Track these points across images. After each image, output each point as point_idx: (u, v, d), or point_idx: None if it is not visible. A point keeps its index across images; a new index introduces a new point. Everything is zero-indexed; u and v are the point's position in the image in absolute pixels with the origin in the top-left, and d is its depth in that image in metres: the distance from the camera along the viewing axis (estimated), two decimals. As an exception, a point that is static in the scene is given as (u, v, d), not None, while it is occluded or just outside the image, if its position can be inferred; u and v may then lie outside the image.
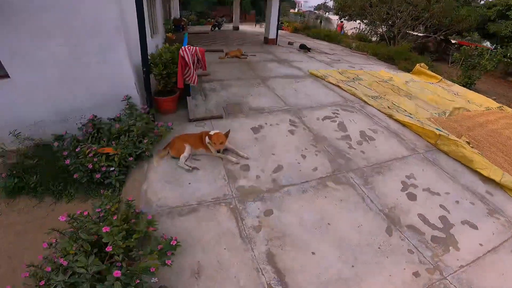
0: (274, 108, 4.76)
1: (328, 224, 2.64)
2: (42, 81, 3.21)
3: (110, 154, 2.97)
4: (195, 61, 3.60)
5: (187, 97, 3.84)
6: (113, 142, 3.11)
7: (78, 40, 3.11)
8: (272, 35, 10.88)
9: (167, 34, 8.97)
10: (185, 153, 3.20)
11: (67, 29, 3.02)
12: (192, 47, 3.53)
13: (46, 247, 2.01)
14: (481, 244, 2.62)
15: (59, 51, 3.09)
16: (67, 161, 2.93)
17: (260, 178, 3.12)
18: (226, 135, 3.27)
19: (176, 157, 3.25)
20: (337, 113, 4.72)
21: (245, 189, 2.97)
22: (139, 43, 3.45)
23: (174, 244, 2.16)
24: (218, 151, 3.16)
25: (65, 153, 3.03)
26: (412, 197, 3.08)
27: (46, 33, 2.96)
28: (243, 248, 2.38)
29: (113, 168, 2.93)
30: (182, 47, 3.41)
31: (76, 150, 3.01)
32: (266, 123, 4.21)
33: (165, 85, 4.09)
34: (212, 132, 3.27)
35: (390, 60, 9.93)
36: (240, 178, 3.10)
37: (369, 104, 5.28)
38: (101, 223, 2.13)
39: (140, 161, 3.22)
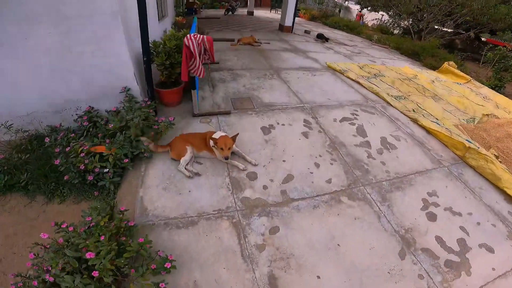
0: (287, 104, 4.42)
1: (338, 245, 2.41)
2: (32, 71, 3.00)
3: (103, 154, 2.73)
4: (202, 51, 3.25)
5: (192, 91, 3.53)
6: (107, 140, 2.87)
7: (68, 27, 2.85)
8: (288, 23, 10.34)
9: (176, 18, 8.55)
10: (186, 157, 2.94)
11: (56, 15, 2.76)
12: (198, 35, 3.18)
13: (32, 257, 1.89)
14: (493, 269, 2.42)
15: (49, 39, 2.84)
16: (57, 161, 2.71)
17: (267, 189, 2.86)
18: (234, 139, 2.96)
19: (176, 160, 2.99)
20: (356, 114, 4.35)
21: (251, 201, 2.72)
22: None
23: (168, 266, 1.98)
24: (226, 158, 2.86)
25: (57, 149, 2.81)
26: (432, 217, 2.80)
27: (34, 20, 2.73)
28: (243, 268, 2.19)
29: (107, 170, 2.70)
30: (187, 35, 3.06)
31: (67, 149, 2.77)
32: (278, 123, 3.89)
33: (169, 76, 3.78)
34: (217, 135, 2.97)
35: (414, 55, 9.31)
36: (245, 188, 2.84)
37: (392, 106, 4.88)
38: (87, 242, 1.93)
39: (138, 162, 2.98)
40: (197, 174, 2.91)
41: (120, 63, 3.18)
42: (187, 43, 3.02)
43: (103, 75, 3.21)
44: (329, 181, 3.03)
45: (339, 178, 3.09)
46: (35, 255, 1.90)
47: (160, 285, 1.85)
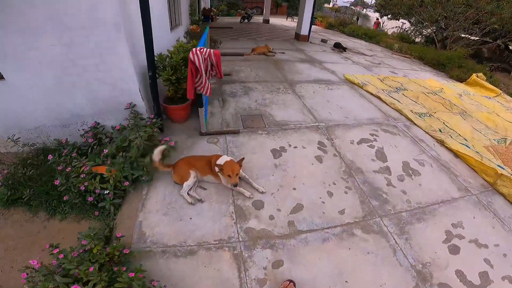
0: (301, 123, 4.24)
1: (346, 281, 2.25)
2: (38, 84, 2.99)
3: (104, 176, 2.69)
4: (208, 67, 3.15)
5: (199, 109, 3.44)
6: (108, 161, 2.83)
7: (71, 39, 2.80)
8: (304, 31, 10.24)
9: (191, 27, 8.61)
10: (189, 182, 2.83)
11: (58, 26, 2.71)
12: (205, 49, 3.07)
13: (25, 277, 1.90)
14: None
15: (53, 51, 2.81)
16: (57, 181, 2.70)
17: (274, 219, 2.69)
18: (240, 163, 2.82)
19: (179, 184, 2.90)
20: (375, 135, 4.11)
21: (255, 232, 2.56)
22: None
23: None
24: (235, 185, 2.73)
25: (60, 167, 2.80)
26: (454, 250, 2.59)
27: (37, 30, 2.69)
28: (241, 304, 2.07)
29: (107, 191, 2.67)
30: (193, 49, 2.95)
31: (67, 170, 2.75)
32: (289, 144, 3.72)
33: (176, 91, 3.72)
34: (222, 160, 2.83)
35: (439, 66, 8.90)
36: (250, 218, 2.69)
37: (416, 124, 4.59)
38: (78, 269, 1.89)
39: (139, 184, 2.92)
40: (200, 201, 2.80)
41: (124, 77, 3.12)
42: (192, 59, 2.92)
43: (107, 89, 3.17)
44: (342, 212, 2.82)
45: (354, 208, 2.87)
46: (27, 274, 1.89)
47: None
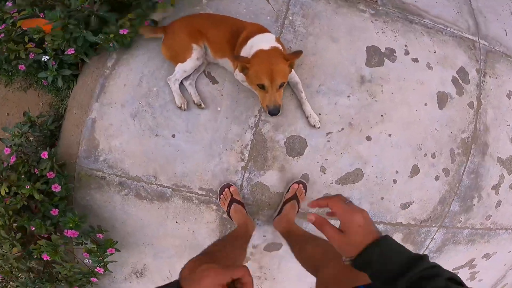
0: (446, 24, 2.09)
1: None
2: None
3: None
4: None
5: None
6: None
7: None
8: None
9: None
10: (187, 63, 1.47)
11: None
12: None
13: None
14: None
15: None
16: None
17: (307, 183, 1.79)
18: (291, 61, 1.33)
19: (170, 62, 1.57)
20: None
21: (267, 195, 1.74)
22: None
23: (101, 272, 1.58)
24: (273, 112, 1.37)
25: None
26: None
27: None
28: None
29: (47, 57, 1.66)
30: None
31: None
32: (406, 51, 1.87)
33: None
34: (256, 45, 1.33)
35: None
36: (271, 167, 1.69)
37: None
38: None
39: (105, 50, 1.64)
40: (199, 106, 1.58)
41: None
42: None
43: None
44: (405, 205, 1.91)
45: (424, 206, 1.96)
46: None
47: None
